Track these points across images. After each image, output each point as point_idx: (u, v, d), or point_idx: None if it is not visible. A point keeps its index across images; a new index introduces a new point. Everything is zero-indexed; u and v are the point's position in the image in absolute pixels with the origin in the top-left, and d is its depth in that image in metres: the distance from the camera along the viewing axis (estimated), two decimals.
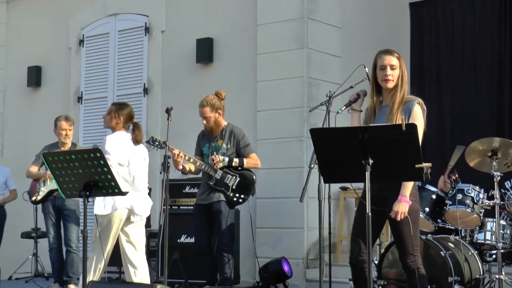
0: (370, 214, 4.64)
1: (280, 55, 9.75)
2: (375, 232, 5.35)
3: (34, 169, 8.83)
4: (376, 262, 6.87)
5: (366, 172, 4.53)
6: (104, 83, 11.70)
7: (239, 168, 7.77)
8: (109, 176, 5.85)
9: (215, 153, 7.70)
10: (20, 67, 12.82)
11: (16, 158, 11.38)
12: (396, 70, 5.27)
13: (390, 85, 5.26)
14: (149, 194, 9.94)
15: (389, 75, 5.25)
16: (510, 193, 7.61)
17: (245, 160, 7.77)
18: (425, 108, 5.30)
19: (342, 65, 9.65)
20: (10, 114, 12.96)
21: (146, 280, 7.06)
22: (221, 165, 7.62)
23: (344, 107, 5.45)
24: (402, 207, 5.07)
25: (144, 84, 11.21)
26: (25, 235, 10.93)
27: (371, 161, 4.50)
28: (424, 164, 4.57)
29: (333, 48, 9.93)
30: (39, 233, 10.46)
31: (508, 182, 7.69)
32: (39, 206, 9.35)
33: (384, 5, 10.82)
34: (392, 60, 5.27)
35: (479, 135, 8.59)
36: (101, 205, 6.99)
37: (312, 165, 6.65)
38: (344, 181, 5.19)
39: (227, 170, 7.71)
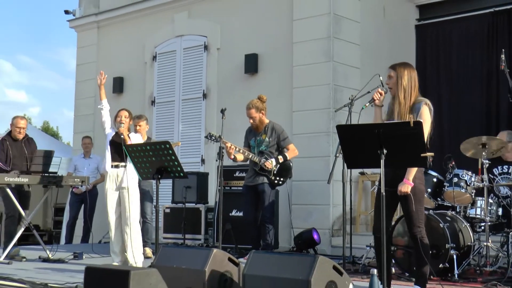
0: (384, 193, 4.60)
1: (311, 67, 9.73)
2: (392, 208, 5.32)
3: None
4: None
5: (381, 160, 4.50)
6: (172, 90, 11.75)
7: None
8: (176, 163, 5.87)
9: (264, 153, 7.68)
10: (107, 78, 12.85)
11: (105, 149, 11.45)
12: (393, 79, 5.24)
13: (392, 93, 5.27)
14: (207, 178, 10.06)
15: (388, 84, 5.29)
16: (498, 179, 7.50)
17: (287, 155, 7.75)
18: (432, 108, 5.24)
19: (361, 74, 9.59)
20: (100, 115, 13.06)
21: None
22: (272, 167, 7.62)
23: (368, 103, 5.40)
24: (404, 187, 5.04)
25: (203, 90, 11.22)
26: None
27: (385, 151, 4.48)
28: (428, 154, 4.52)
29: (354, 61, 9.88)
30: None
31: (496, 169, 7.58)
32: None
33: (395, 26, 10.74)
34: (389, 72, 5.30)
35: (471, 131, 8.51)
36: None
37: (338, 154, 6.63)
38: (364, 167, 5.15)
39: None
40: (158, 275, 4.17)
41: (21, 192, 8.31)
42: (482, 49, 10.33)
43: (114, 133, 7.45)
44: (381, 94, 5.27)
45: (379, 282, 4.60)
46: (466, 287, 6.05)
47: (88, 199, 10.64)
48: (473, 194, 6.99)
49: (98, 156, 11.25)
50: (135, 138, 7.43)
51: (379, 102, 5.30)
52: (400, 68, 5.26)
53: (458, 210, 7.11)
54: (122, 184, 7.25)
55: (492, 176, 7.45)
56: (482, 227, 7.01)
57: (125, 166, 7.18)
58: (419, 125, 4.47)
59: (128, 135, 7.32)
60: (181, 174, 5.98)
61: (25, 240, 10.30)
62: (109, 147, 7.42)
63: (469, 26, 10.57)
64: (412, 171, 5.07)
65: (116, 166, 7.29)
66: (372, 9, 10.41)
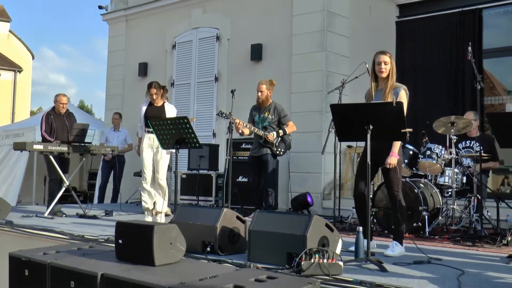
0: (370, 163, 4.58)
1: (307, 56, 9.65)
2: (372, 176, 5.28)
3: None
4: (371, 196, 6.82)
5: (368, 134, 4.47)
6: (189, 73, 11.67)
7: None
8: (193, 135, 5.83)
9: (267, 128, 7.63)
10: (134, 63, 12.86)
11: (131, 123, 11.44)
12: (388, 65, 5.16)
13: (384, 75, 5.16)
14: (218, 149, 10.05)
15: (383, 68, 5.15)
16: (462, 152, 7.48)
17: (286, 130, 7.72)
18: (408, 93, 5.19)
19: (350, 62, 9.50)
20: (127, 94, 13.05)
21: None
22: (273, 139, 7.58)
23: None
24: (392, 159, 5.03)
25: (215, 74, 11.15)
26: (136, 174, 11.02)
27: (371, 127, 4.44)
28: (407, 129, 4.49)
29: (344, 51, 9.80)
30: None
31: (461, 144, 7.56)
32: None
33: (378, 22, 10.64)
34: (385, 58, 5.17)
35: (441, 111, 8.46)
36: None
37: (330, 129, 6.60)
38: (352, 140, 5.10)
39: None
40: (177, 229, 4.15)
41: (62, 159, 8.31)
42: (452, 43, 10.24)
43: (147, 105, 7.39)
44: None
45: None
46: (435, 242, 6.05)
47: (117, 166, 10.66)
48: (442, 165, 6.98)
49: (126, 129, 11.24)
50: (169, 110, 7.41)
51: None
52: (391, 57, 5.21)
53: (430, 178, 7.10)
54: (155, 144, 7.20)
55: (458, 150, 7.43)
56: (450, 193, 7.02)
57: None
58: (400, 105, 4.47)
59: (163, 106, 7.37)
60: (197, 145, 5.95)
61: (65, 199, 10.30)
62: (142, 117, 7.39)
63: (441, 23, 10.48)
64: (397, 146, 5.05)
65: (149, 132, 7.19)
66: (359, 7, 10.30)
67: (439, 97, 10.20)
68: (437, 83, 10.30)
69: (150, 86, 7.41)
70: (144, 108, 7.43)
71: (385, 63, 5.16)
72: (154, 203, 7.30)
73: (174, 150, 6.17)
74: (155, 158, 7.27)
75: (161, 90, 7.41)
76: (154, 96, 7.33)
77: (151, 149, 7.30)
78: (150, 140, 7.27)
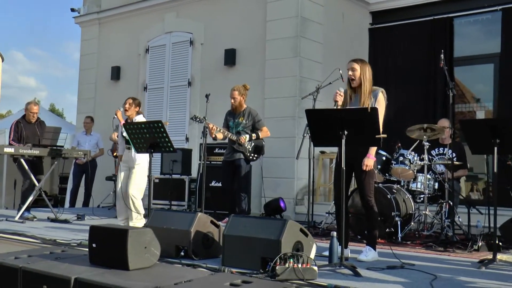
0: (344, 168, 4.60)
1: (281, 61, 9.68)
2: (348, 181, 5.34)
3: (114, 135, 8.69)
4: None
5: (342, 140, 4.49)
6: (162, 78, 11.61)
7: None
8: (167, 139, 5.80)
9: (241, 132, 7.63)
10: (106, 67, 12.76)
11: (103, 127, 11.33)
12: (356, 71, 5.21)
13: (354, 82, 5.22)
14: (191, 153, 10.01)
15: (351, 75, 5.22)
16: (436, 158, 7.57)
17: (260, 134, 7.72)
18: (386, 95, 5.26)
19: (323, 68, 9.56)
20: (99, 98, 12.93)
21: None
22: (246, 141, 7.58)
23: (335, 106, 5.23)
24: (369, 161, 5.08)
25: (188, 79, 11.11)
26: (108, 178, 10.93)
27: (346, 132, 4.46)
28: (381, 135, 4.53)
29: (317, 57, 9.85)
30: (117, 177, 10.41)
31: (434, 151, 7.65)
32: (117, 159, 9.33)
33: (352, 28, 10.71)
34: (353, 64, 5.23)
35: (413, 118, 8.56)
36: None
37: (305, 134, 6.62)
38: (327, 145, 5.11)
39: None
40: (152, 233, 4.13)
41: (33, 162, 8.19)
42: (423, 50, 10.37)
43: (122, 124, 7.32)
44: (341, 95, 5.15)
45: (338, 242, 4.63)
46: (408, 247, 6.11)
47: (89, 170, 10.56)
48: (415, 171, 7.05)
49: (97, 133, 11.14)
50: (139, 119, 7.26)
51: (341, 103, 5.18)
52: (363, 64, 5.25)
53: (402, 184, 7.16)
54: (130, 163, 7.12)
55: (430, 157, 7.52)
56: (422, 198, 7.08)
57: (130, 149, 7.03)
58: (375, 111, 4.48)
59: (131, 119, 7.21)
60: (171, 149, 5.91)
61: (36, 203, 10.15)
62: (121, 136, 7.29)
63: (413, 30, 10.61)
64: (373, 149, 5.11)
65: (128, 149, 7.13)
66: (333, 14, 10.37)
67: (411, 104, 10.31)
68: (409, 90, 10.41)
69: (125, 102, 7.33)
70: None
71: (353, 70, 5.22)
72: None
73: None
74: (130, 174, 7.12)
75: (134, 104, 7.29)
76: (127, 106, 7.20)
77: (126, 166, 7.21)
78: (128, 157, 7.17)
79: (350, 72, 5.22)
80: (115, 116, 7.28)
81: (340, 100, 4.98)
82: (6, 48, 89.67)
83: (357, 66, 5.22)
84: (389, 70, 10.75)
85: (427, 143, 6.99)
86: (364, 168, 5.06)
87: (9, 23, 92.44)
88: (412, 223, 6.87)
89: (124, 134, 6.97)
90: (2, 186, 12.68)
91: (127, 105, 7.14)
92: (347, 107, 5.10)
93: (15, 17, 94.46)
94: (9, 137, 8.34)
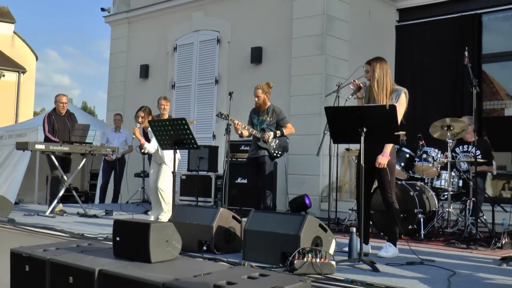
0: (363, 164, 4.65)
1: (307, 59, 9.74)
2: (370, 179, 5.35)
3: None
4: None
5: (361, 137, 4.54)
6: (189, 76, 11.76)
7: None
8: (190, 136, 5.92)
9: (266, 130, 7.69)
10: (135, 65, 12.96)
11: (132, 125, 11.46)
12: (369, 72, 5.28)
13: (371, 82, 5.28)
14: (217, 150, 10.13)
15: (366, 77, 5.32)
16: (460, 156, 7.55)
17: (284, 131, 7.77)
18: (408, 95, 5.28)
19: (349, 66, 9.60)
20: (129, 96, 13.14)
21: None
22: (270, 138, 7.64)
23: (350, 96, 5.41)
24: (382, 159, 5.09)
25: (215, 77, 11.24)
26: (137, 175, 11.11)
27: (364, 129, 4.51)
28: (400, 132, 4.57)
29: (343, 55, 9.88)
30: (145, 173, 10.61)
31: (458, 148, 7.62)
32: (146, 156, 9.53)
33: (378, 26, 10.72)
34: (366, 67, 5.32)
35: (439, 116, 8.52)
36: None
37: (325, 132, 6.68)
38: (347, 142, 5.17)
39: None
40: (173, 228, 4.24)
41: (64, 159, 8.41)
42: (450, 47, 10.32)
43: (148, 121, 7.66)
44: (357, 84, 5.27)
45: (358, 238, 4.69)
46: (430, 244, 6.12)
47: (117, 166, 10.76)
48: (438, 168, 7.05)
49: (127, 130, 11.33)
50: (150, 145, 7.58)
51: (360, 94, 5.32)
52: (373, 62, 5.29)
53: (426, 181, 7.16)
54: (159, 160, 7.53)
55: (455, 154, 7.50)
56: (445, 196, 7.07)
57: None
58: (393, 108, 4.50)
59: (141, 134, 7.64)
60: (195, 146, 6.03)
61: (66, 199, 10.41)
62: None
63: (440, 27, 10.56)
64: (389, 147, 5.11)
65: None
66: (359, 11, 10.38)
67: (438, 102, 10.27)
68: (436, 87, 10.37)
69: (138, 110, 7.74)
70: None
71: (366, 72, 5.32)
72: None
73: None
74: (159, 169, 7.52)
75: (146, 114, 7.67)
76: (140, 120, 7.62)
77: (156, 163, 7.63)
78: (158, 154, 7.56)
79: (365, 75, 5.32)
80: (134, 136, 7.63)
81: (353, 88, 5.09)
82: (40, 46, 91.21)
83: (368, 68, 5.30)
84: (415, 68, 10.72)
85: (451, 141, 6.98)
86: (377, 165, 5.09)
87: (43, 22, 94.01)
88: (436, 221, 6.87)
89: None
90: (34, 182, 12.99)
91: (140, 119, 7.59)
92: (366, 105, 5.15)
93: (49, 16, 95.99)
94: (44, 129, 8.56)
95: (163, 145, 6.18)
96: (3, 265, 5.40)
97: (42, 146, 7.91)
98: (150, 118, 7.54)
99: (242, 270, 3.84)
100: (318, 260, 4.04)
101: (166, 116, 8.57)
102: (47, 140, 8.40)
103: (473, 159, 6.89)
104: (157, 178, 7.50)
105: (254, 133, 7.68)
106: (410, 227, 6.59)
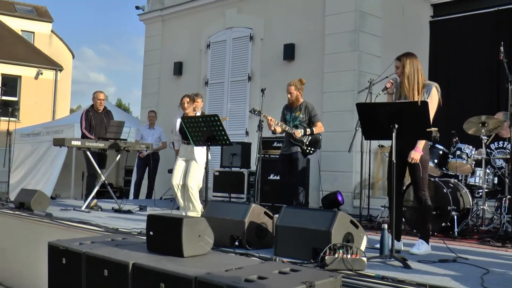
0: (395, 161, 4.64)
1: (339, 55, 9.71)
2: (401, 174, 5.32)
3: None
4: None
5: (393, 133, 4.53)
6: (222, 73, 11.84)
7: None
8: (223, 132, 5.97)
9: (298, 126, 7.69)
10: (169, 62, 13.09)
11: (166, 122, 11.65)
12: (399, 68, 5.26)
13: (402, 78, 5.25)
14: (250, 147, 10.18)
15: (396, 72, 5.30)
16: (495, 152, 7.44)
17: (314, 129, 7.76)
18: (439, 90, 5.24)
19: (382, 62, 9.53)
20: (163, 93, 13.29)
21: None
22: (300, 135, 7.64)
23: (381, 91, 5.41)
24: (415, 154, 5.06)
25: (248, 74, 11.29)
26: (171, 171, 11.17)
27: (396, 125, 4.50)
28: (432, 129, 4.54)
29: (376, 51, 9.83)
30: None
31: (493, 144, 7.52)
32: None
33: (411, 21, 10.64)
34: (396, 63, 5.31)
35: (474, 112, 8.42)
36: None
37: (357, 128, 6.65)
38: (378, 139, 5.15)
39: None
40: (205, 223, 4.29)
41: (100, 155, 8.57)
42: (486, 42, 10.17)
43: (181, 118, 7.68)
44: (391, 83, 5.29)
45: (389, 235, 4.68)
46: (464, 242, 6.05)
47: (151, 163, 10.89)
48: (473, 165, 6.97)
49: (161, 127, 11.46)
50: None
51: (390, 90, 5.32)
52: (403, 58, 5.26)
53: (460, 178, 7.09)
54: (188, 156, 7.55)
55: (489, 150, 7.40)
56: (480, 193, 6.98)
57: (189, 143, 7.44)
58: (425, 104, 4.49)
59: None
60: (227, 142, 6.08)
61: (102, 195, 10.59)
62: (177, 131, 7.78)
63: (475, 22, 10.41)
64: (421, 143, 5.09)
65: (185, 143, 7.63)
66: (393, 7, 10.31)
67: (473, 98, 10.14)
68: (470, 83, 10.24)
69: (182, 98, 7.75)
70: (179, 121, 7.66)
71: (396, 68, 5.28)
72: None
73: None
74: (188, 167, 7.57)
75: (192, 100, 7.67)
76: (186, 105, 7.62)
77: (185, 160, 7.64)
78: (185, 151, 7.59)
79: (396, 71, 5.30)
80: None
81: (389, 87, 5.07)
82: (77, 45, 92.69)
83: (398, 64, 5.27)
84: (450, 63, 10.60)
85: (486, 137, 6.89)
86: (410, 161, 5.06)
87: (79, 20, 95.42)
88: (470, 218, 6.80)
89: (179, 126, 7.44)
90: (71, 178, 13.25)
91: (185, 105, 7.66)
92: (398, 101, 5.13)
93: (85, 14, 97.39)
94: (81, 126, 8.74)
95: (196, 142, 6.25)
96: (41, 257, 5.56)
97: (78, 143, 8.07)
98: (194, 105, 7.65)
99: (273, 265, 3.88)
100: (349, 256, 4.05)
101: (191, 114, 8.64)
102: (84, 137, 8.57)
103: (508, 156, 6.80)
104: (185, 176, 7.53)
105: (287, 129, 7.69)
106: (443, 224, 6.53)
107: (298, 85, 7.79)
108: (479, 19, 10.37)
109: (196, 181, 7.45)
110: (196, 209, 7.47)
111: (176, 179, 7.66)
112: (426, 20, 11.01)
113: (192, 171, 7.47)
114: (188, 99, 7.62)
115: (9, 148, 9.75)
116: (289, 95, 7.79)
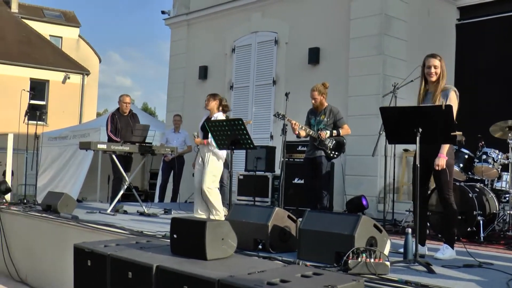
0: (419, 165, 4.63)
1: (364, 59, 9.69)
2: (426, 179, 5.29)
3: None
4: None
5: (417, 137, 4.51)
6: (247, 77, 11.88)
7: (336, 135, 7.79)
8: (247, 136, 6.00)
9: (321, 128, 7.70)
10: (194, 66, 13.19)
11: (191, 125, 11.72)
12: (438, 69, 5.17)
13: (433, 79, 5.17)
14: (274, 151, 10.20)
15: (432, 72, 5.16)
16: None
17: (340, 131, 7.75)
18: (458, 94, 5.18)
19: (407, 66, 9.46)
20: (188, 97, 13.38)
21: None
22: (326, 137, 7.63)
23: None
24: (441, 161, 5.01)
25: (273, 78, 11.32)
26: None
27: (420, 130, 4.48)
28: (457, 133, 4.52)
29: (401, 54, 9.78)
30: None
31: None
32: None
33: (437, 25, 10.55)
34: (435, 62, 5.17)
35: (501, 116, 8.33)
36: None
37: (381, 132, 6.64)
38: (402, 143, 5.14)
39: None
40: (229, 226, 4.33)
41: (126, 158, 8.67)
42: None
43: (204, 119, 7.70)
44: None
45: (413, 239, 4.65)
46: (490, 248, 5.98)
47: (176, 166, 10.96)
48: (499, 170, 6.90)
49: (186, 131, 11.54)
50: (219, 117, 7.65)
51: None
52: (442, 60, 5.20)
53: (486, 183, 7.02)
54: (205, 158, 7.57)
55: None
56: (507, 198, 6.91)
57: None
58: (450, 108, 4.46)
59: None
60: (251, 146, 6.11)
61: (127, 198, 10.70)
62: (200, 128, 7.77)
63: (503, 25, 10.29)
64: (446, 147, 5.04)
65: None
66: (418, 10, 10.25)
67: (500, 102, 10.01)
68: (498, 88, 10.12)
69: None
70: (203, 119, 7.74)
71: (435, 67, 5.16)
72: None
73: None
74: (203, 170, 7.57)
75: (215, 100, 7.68)
76: (206, 102, 7.70)
77: (202, 162, 7.65)
78: (203, 153, 7.64)
79: (433, 70, 5.15)
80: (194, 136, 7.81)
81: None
82: (103, 49, 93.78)
83: (438, 63, 5.18)
84: (477, 67, 10.48)
85: None
86: (436, 168, 5.01)
87: (106, 25, 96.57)
88: (496, 224, 6.73)
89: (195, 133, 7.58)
90: (97, 181, 13.41)
91: (206, 102, 7.69)
92: (422, 105, 5.10)
93: (112, 19, 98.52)
94: (107, 128, 8.85)
95: (220, 145, 6.29)
96: (67, 259, 5.64)
97: (103, 146, 8.18)
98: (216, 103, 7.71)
99: (296, 268, 3.89)
100: (372, 260, 4.04)
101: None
102: (110, 140, 8.67)
103: None
104: (202, 179, 7.52)
105: (311, 133, 7.70)
106: (469, 229, 6.47)
107: (322, 90, 7.79)
108: (506, 22, 10.25)
109: (206, 184, 7.42)
110: (218, 211, 7.46)
111: (196, 185, 7.73)
112: (452, 23, 10.92)
113: (205, 173, 7.47)
114: (208, 97, 7.70)
115: (36, 152, 9.90)
116: (313, 101, 7.80)
